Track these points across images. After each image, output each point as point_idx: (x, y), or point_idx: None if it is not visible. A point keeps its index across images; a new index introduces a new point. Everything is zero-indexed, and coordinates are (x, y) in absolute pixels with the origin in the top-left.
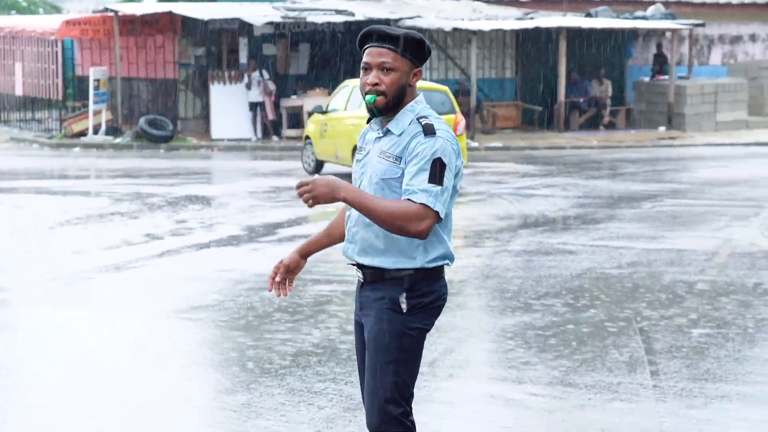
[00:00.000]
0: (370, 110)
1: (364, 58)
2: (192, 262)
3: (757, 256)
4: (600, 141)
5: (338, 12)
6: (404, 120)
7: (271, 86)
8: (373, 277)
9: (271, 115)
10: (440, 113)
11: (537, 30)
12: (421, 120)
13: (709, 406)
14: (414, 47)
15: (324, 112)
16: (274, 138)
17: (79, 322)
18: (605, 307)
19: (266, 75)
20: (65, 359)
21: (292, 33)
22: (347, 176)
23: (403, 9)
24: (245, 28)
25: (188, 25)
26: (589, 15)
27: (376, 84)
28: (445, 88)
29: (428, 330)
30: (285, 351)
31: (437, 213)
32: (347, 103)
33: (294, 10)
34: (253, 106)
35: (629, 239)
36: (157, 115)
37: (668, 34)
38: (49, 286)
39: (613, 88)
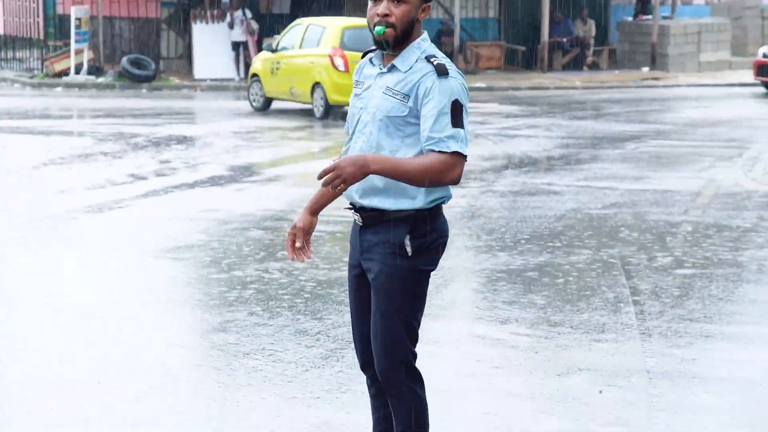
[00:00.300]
0: (378, 42)
1: None
2: (177, 202)
3: (740, 196)
4: (583, 81)
5: None
6: (411, 57)
7: (254, 25)
8: (372, 220)
9: (253, 55)
10: None
11: None
12: (431, 59)
13: (693, 345)
14: None
15: (274, 51)
16: None
17: (65, 261)
18: (590, 248)
19: (249, 14)
20: (50, 299)
21: None
22: (304, 112)
23: None
24: None
25: None
26: None
27: (387, 15)
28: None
29: (434, 270)
30: (272, 291)
31: (466, 156)
32: (302, 41)
33: None
34: (236, 46)
35: (613, 180)
36: (140, 55)
37: None
38: (34, 225)
39: (596, 28)
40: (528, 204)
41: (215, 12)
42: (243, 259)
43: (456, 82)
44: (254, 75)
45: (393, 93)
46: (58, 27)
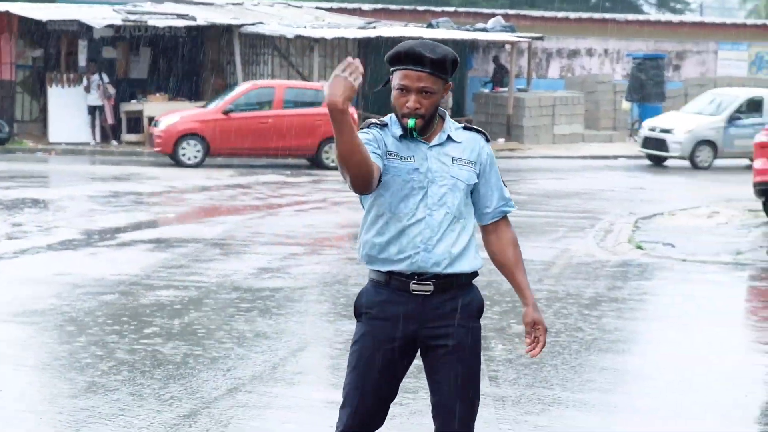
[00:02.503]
0: (408, 131)
1: (402, 81)
2: (28, 265)
3: (592, 266)
4: None
5: (180, 16)
6: (451, 127)
7: (111, 90)
8: (448, 286)
9: (110, 120)
10: None
11: (379, 39)
12: (473, 128)
13: (546, 412)
14: (452, 68)
15: None
16: (113, 143)
17: None
18: None
19: (106, 78)
20: None
21: (132, 36)
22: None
23: (245, 15)
24: (84, 30)
25: (25, 25)
26: (430, 25)
27: (417, 108)
28: None
29: None
30: (124, 356)
31: None
32: None
33: (135, 13)
34: (92, 110)
35: None
36: None
37: (508, 46)
38: None
39: (452, 99)
40: None
41: (71, 76)
42: (95, 324)
43: None
44: None
45: (465, 162)
46: None
